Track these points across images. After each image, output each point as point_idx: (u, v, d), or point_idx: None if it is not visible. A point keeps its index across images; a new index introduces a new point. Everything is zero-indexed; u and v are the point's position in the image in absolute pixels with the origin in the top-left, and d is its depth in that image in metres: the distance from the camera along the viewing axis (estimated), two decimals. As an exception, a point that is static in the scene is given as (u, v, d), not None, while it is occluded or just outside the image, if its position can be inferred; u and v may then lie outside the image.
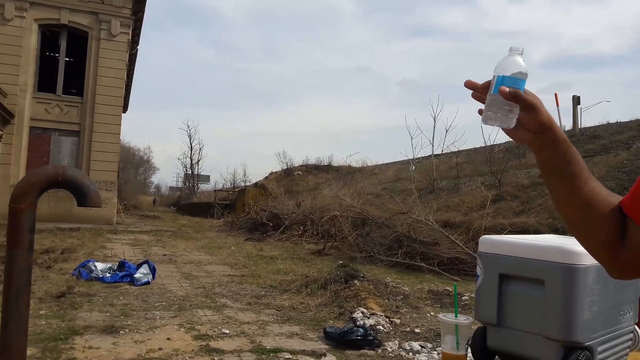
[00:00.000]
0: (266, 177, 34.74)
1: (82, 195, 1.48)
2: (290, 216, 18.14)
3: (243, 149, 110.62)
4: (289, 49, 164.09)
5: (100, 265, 7.91)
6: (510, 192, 14.14)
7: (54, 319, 5.18)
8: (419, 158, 22.06)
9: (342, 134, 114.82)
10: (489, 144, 18.48)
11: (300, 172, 33.49)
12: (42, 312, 5.43)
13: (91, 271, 7.60)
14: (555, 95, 17.33)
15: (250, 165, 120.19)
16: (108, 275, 7.57)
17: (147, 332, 4.89)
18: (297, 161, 36.49)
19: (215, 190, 41.37)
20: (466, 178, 17.95)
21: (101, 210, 19.79)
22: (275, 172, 35.04)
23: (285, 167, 35.62)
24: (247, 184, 40.77)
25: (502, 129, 0.91)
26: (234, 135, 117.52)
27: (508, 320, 1.65)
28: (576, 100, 17.69)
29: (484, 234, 1.85)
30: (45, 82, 21.91)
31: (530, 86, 0.88)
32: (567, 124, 18.63)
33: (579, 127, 18.21)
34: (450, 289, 7.59)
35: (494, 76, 0.89)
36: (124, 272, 7.65)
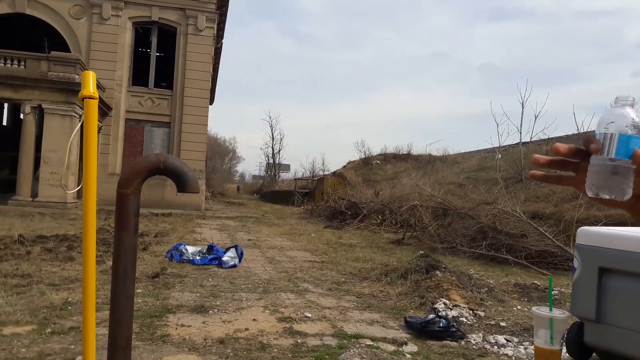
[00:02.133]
0: (344, 166, 34.86)
1: (181, 182, 1.58)
2: (368, 205, 18.12)
3: (322, 139, 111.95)
4: (368, 38, 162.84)
5: (190, 249, 8.37)
6: (606, 182, 13.18)
7: (149, 298, 5.56)
8: (506, 146, 21.12)
9: (421, 122, 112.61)
10: (582, 131, 17.30)
11: (378, 161, 33.25)
12: (139, 290, 5.84)
13: (182, 254, 8.06)
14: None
15: (328, 154, 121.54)
16: (198, 258, 8.00)
17: (234, 313, 5.12)
18: (375, 150, 36.32)
19: (295, 179, 42.25)
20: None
21: (191, 196, 20.89)
22: (354, 161, 35.06)
23: (363, 156, 35.55)
24: (326, 172, 41.23)
25: (594, 197, 0.74)
26: (313, 125, 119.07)
27: (609, 317, 1.55)
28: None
29: (576, 227, 1.74)
30: (138, 77, 23.38)
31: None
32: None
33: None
34: (538, 283, 7.26)
35: (606, 135, 0.73)
36: (212, 255, 8.04)
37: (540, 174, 0.81)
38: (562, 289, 6.83)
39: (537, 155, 0.78)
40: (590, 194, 0.74)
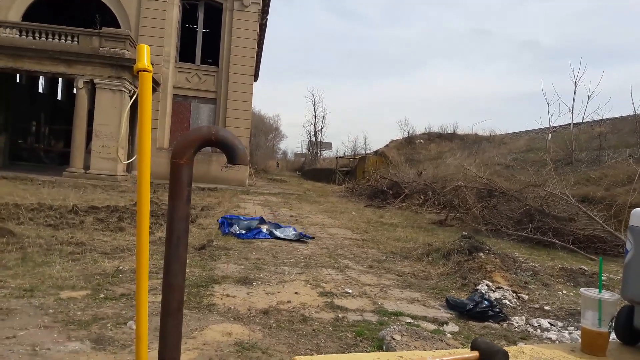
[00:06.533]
0: (387, 145, 34.53)
1: (232, 154, 1.62)
2: (410, 185, 17.96)
3: (364, 117, 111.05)
4: (414, 13, 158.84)
5: (244, 220, 8.64)
6: (664, 166, 12.56)
7: (196, 268, 5.76)
8: (556, 127, 20.38)
9: (467, 100, 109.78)
10: (639, 112, 16.46)
11: (422, 140, 32.75)
12: (186, 261, 6.06)
13: (232, 225, 8.32)
14: None
15: (370, 133, 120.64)
16: (243, 231, 8.21)
17: (277, 285, 5.24)
18: (419, 129, 35.81)
19: (336, 157, 42.22)
20: (610, 149, 16.25)
21: (235, 172, 21.29)
22: (396, 140, 34.66)
23: (406, 135, 35.06)
24: (368, 151, 40.96)
25: None
26: (356, 103, 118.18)
27: (662, 301, 1.50)
28: None
29: (628, 211, 1.68)
30: (185, 53, 23.74)
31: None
32: None
33: None
34: (586, 268, 7.05)
35: None
36: (256, 230, 8.25)
37: None
38: (611, 275, 6.62)
39: None
40: None
